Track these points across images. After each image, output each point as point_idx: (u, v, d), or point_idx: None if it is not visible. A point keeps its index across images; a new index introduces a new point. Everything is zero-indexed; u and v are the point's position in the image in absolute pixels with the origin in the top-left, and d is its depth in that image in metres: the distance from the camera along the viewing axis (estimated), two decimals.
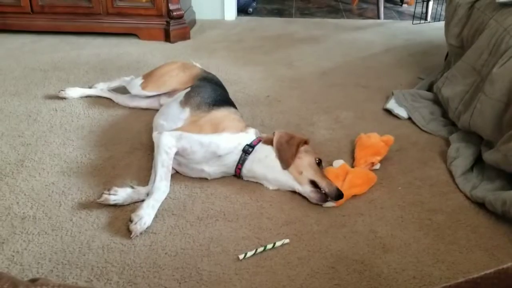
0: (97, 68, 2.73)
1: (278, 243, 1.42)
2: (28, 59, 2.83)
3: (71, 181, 1.69)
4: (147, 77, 2.16)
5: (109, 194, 1.55)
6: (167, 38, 3.28)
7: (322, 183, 1.58)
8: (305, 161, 1.64)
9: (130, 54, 3.00)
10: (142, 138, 1.98)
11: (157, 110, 2.07)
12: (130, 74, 2.53)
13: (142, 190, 1.60)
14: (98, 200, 1.55)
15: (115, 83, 2.37)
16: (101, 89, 2.34)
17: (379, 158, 1.80)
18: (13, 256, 1.34)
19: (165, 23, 3.26)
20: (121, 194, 1.56)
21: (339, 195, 1.55)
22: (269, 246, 1.41)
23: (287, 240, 1.44)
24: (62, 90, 2.32)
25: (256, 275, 1.31)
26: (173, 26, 3.26)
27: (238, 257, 1.37)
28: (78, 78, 2.59)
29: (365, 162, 1.77)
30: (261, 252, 1.39)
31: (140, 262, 1.34)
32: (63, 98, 2.31)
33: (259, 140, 1.72)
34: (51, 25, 3.28)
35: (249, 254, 1.38)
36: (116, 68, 2.75)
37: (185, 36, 3.35)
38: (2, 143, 1.91)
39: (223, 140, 1.66)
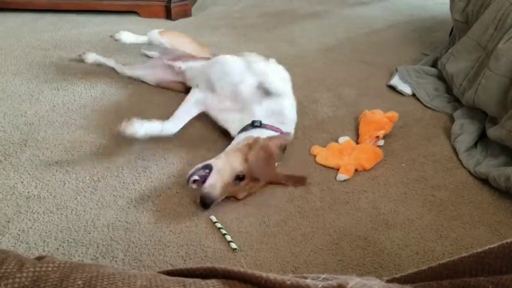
0: (98, 46, 2.70)
1: (231, 244, 1.35)
2: (28, 38, 2.80)
3: (75, 160, 1.69)
4: (167, 30, 2.23)
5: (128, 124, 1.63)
6: (168, 15, 3.24)
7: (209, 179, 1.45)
8: (233, 160, 1.50)
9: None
10: (146, 116, 1.97)
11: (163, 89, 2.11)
12: (131, 53, 2.51)
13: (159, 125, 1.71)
14: (119, 128, 1.63)
15: (142, 38, 2.31)
16: (116, 64, 2.37)
17: (383, 132, 1.79)
18: (19, 234, 1.36)
19: (165, 0, 3.22)
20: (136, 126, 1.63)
21: (201, 201, 1.43)
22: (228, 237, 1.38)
23: (234, 246, 1.35)
24: (82, 53, 2.40)
25: (260, 251, 1.33)
26: (174, 3, 3.21)
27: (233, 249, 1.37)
28: None
29: (370, 137, 1.77)
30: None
31: (145, 239, 1.36)
32: (81, 61, 2.38)
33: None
34: (50, 3, 3.24)
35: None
36: (118, 46, 2.72)
37: (186, 13, 3.30)
38: (5, 122, 1.90)
39: (231, 58, 1.84)
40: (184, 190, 1.56)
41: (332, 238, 1.38)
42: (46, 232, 1.37)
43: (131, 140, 1.81)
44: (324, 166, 1.70)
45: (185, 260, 1.29)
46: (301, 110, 2.07)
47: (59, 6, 3.24)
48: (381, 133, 1.78)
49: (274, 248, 1.34)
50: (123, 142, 1.79)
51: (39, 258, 0.58)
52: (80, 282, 0.52)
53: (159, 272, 0.65)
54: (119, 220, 1.43)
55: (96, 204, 1.49)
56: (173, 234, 1.38)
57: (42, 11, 3.25)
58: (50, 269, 0.54)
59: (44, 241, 1.34)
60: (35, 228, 1.38)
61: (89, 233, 1.37)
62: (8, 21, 3.11)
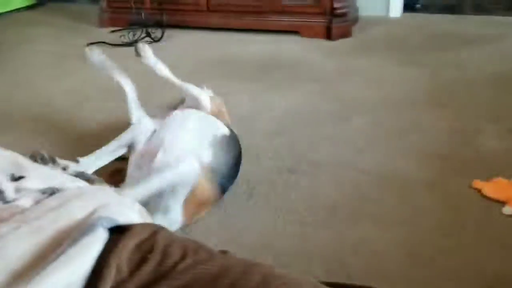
0: (259, 64, 2.89)
1: None
2: (198, 53, 3.14)
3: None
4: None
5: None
6: (328, 35, 3.32)
7: None
8: None
9: (291, 51, 3.12)
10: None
11: None
12: (288, 71, 2.64)
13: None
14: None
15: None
16: None
17: None
18: None
19: (327, 20, 3.31)
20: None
21: None
22: None
23: None
24: None
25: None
26: (336, 23, 3.29)
27: None
28: (240, 74, 2.77)
29: None
30: None
31: None
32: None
33: None
34: (221, 22, 3.59)
35: None
36: (276, 65, 2.88)
37: (346, 34, 3.35)
38: None
39: None
40: None
41: (486, 281, 1.27)
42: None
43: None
44: (491, 199, 1.56)
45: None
46: (462, 140, 1.95)
47: (229, 24, 3.58)
48: None
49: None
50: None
51: (223, 252, 0.66)
52: (258, 276, 0.58)
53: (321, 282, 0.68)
54: None
55: None
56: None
57: (213, 29, 3.62)
58: (234, 262, 0.62)
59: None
60: None
61: None
62: (185, 38, 3.53)
